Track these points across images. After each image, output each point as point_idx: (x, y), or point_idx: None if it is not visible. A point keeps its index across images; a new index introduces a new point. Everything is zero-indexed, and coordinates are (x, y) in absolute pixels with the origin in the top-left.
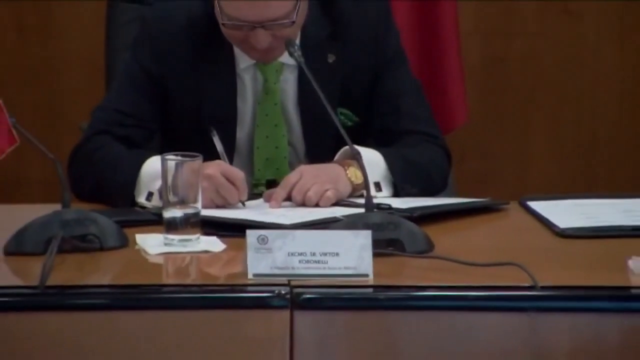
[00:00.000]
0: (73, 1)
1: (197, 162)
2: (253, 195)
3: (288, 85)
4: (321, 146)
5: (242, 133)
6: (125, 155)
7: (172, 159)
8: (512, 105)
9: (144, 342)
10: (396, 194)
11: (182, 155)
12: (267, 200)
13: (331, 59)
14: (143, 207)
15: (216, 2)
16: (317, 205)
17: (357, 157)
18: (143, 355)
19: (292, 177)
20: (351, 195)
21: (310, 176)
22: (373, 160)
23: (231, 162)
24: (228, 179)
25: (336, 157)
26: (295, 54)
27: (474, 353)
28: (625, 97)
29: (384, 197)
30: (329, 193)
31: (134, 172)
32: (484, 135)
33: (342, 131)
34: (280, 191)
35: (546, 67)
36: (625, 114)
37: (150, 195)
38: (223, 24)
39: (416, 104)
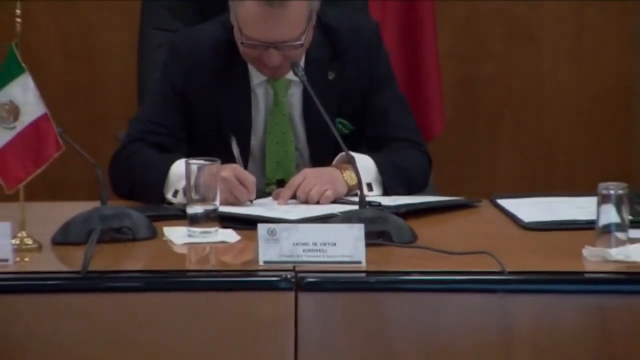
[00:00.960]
0: (111, 30)
1: (216, 165)
2: (264, 194)
3: (294, 98)
4: (323, 151)
5: (255, 140)
6: (155, 159)
7: (194, 163)
8: (483, 117)
9: (170, 319)
10: (385, 193)
11: (203, 160)
12: (276, 198)
13: (331, 76)
14: (170, 203)
15: (236, 24)
16: (317, 203)
17: (352, 162)
18: (169, 330)
19: (296, 179)
20: (347, 195)
21: (312, 178)
22: (366, 164)
23: (246, 164)
24: (240, 182)
25: (334, 162)
26: (299, 74)
27: (451, 328)
28: (580, 111)
29: (375, 195)
30: (328, 192)
31: (163, 173)
32: (459, 143)
33: (339, 139)
34: (286, 191)
35: (512, 85)
36: (579, 125)
37: (176, 193)
38: (242, 43)
39: (403, 116)
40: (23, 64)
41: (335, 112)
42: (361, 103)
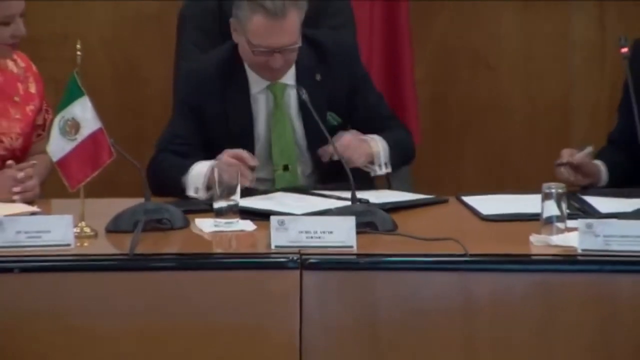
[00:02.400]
0: (152, 61)
1: (236, 169)
2: (274, 190)
3: (290, 99)
4: (317, 140)
5: (260, 136)
6: (178, 165)
7: (220, 168)
8: (452, 130)
9: (200, 293)
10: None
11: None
12: (322, 153)
13: (318, 77)
14: (190, 198)
15: (244, 38)
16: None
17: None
18: (198, 301)
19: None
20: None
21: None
22: (384, 146)
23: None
24: (236, 157)
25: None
26: (303, 96)
27: (425, 300)
28: (529, 124)
29: (384, 172)
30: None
31: (184, 174)
32: (433, 151)
33: (327, 135)
34: (328, 149)
35: (475, 104)
36: (529, 135)
37: (196, 190)
38: (253, 52)
39: (386, 109)
40: (82, 88)
41: (326, 107)
42: (346, 100)
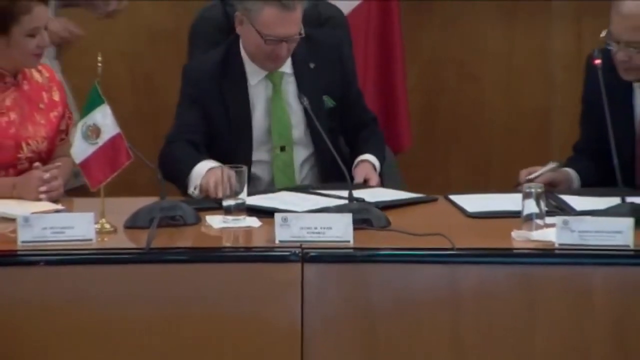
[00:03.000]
0: (166, 73)
1: (244, 170)
2: (276, 190)
3: (289, 86)
4: (315, 126)
5: (259, 122)
6: (184, 159)
7: (230, 170)
8: (441, 135)
9: (209, 283)
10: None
11: (235, 167)
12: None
13: (312, 65)
14: (190, 196)
15: (252, 30)
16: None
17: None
18: (208, 291)
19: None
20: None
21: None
22: (377, 164)
23: (250, 142)
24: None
25: (358, 162)
26: (305, 104)
27: (415, 290)
28: (510, 129)
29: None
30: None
31: (188, 171)
32: (423, 154)
33: (325, 137)
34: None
35: (461, 112)
36: (510, 140)
37: (196, 188)
38: (265, 40)
39: (364, 103)
40: (103, 97)
41: (322, 91)
42: (340, 87)
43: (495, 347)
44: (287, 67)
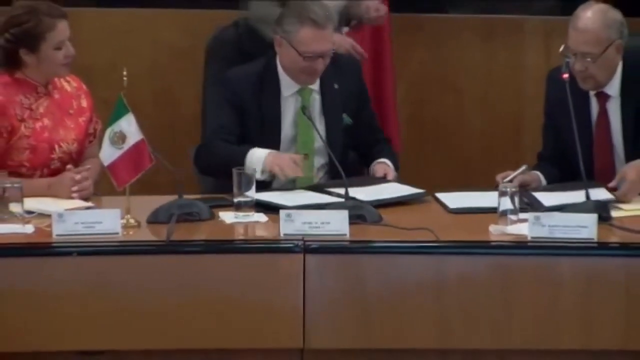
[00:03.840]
0: (184, 87)
1: (252, 173)
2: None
3: (315, 102)
4: (334, 136)
5: (287, 131)
6: (234, 149)
7: (241, 172)
8: (427, 141)
9: (222, 272)
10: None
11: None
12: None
13: (336, 86)
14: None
15: (289, 48)
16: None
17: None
18: (220, 278)
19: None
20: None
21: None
22: (391, 164)
23: (278, 146)
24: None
25: (377, 165)
26: (306, 113)
27: (404, 278)
28: (490, 138)
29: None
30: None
31: (242, 160)
32: (411, 158)
33: (328, 150)
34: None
35: (444, 120)
36: (487, 145)
37: (263, 172)
38: (303, 57)
39: (378, 123)
40: (128, 107)
41: (341, 109)
42: (356, 106)
43: (475, 327)
44: (315, 85)
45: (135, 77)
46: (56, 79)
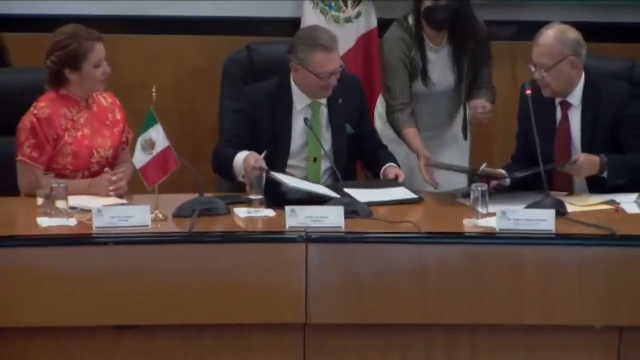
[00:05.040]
0: (205, 100)
1: (262, 173)
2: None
3: (322, 114)
4: (339, 146)
5: (297, 138)
6: (228, 155)
7: (252, 175)
8: None
9: (236, 259)
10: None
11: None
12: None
13: (340, 100)
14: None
15: (305, 71)
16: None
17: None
18: (235, 264)
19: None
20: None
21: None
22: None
23: (287, 156)
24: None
25: (386, 166)
26: (308, 123)
27: (392, 264)
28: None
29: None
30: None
31: (230, 165)
32: None
33: (326, 153)
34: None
35: None
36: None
37: (243, 176)
38: (320, 78)
39: (375, 129)
40: (156, 118)
41: (345, 120)
42: (358, 118)
43: (451, 305)
44: (322, 100)
45: (162, 93)
46: (94, 95)
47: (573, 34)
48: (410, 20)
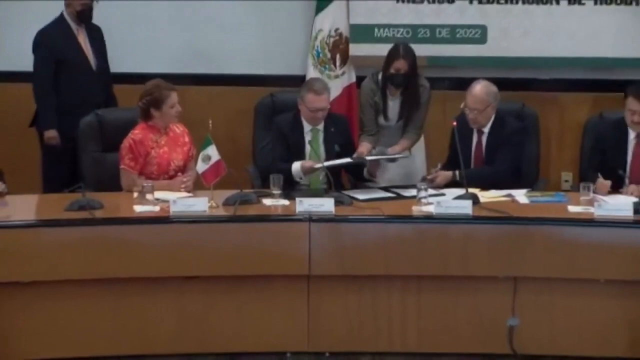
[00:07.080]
0: (239, 115)
1: (280, 177)
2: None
3: (320, 137)
4: (332, 158)
5: (306, 152)
6: (284, 166)
7: (274, 176)
8: None
9: (261, 235)
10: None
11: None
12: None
13: (332, 129)
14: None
15: (303, 104)
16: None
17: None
18: (260, 239)
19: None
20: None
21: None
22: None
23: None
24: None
25: (363, 149)
26: (308, 142)
27: (367, 239)
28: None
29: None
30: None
31: (290, 172)
32: None
33: (321, 161)
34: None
35: None
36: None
37: (301, 178)
38: (309, 111)
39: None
40: (212, 140)
41: (334, 142)
42: (343, 142)
43: (402, 261)
44: (320, 127)
45: (215, 125)
46: (171, 125)
47: (494, 87)
48: (380, 77)
